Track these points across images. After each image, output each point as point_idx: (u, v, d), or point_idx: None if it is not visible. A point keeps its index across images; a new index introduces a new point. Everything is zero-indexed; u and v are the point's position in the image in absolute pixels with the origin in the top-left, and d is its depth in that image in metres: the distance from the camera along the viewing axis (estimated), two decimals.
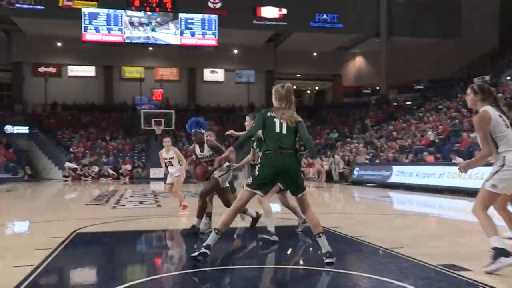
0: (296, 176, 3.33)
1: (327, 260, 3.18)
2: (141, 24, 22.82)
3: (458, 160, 10.28)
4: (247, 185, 3.32)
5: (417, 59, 27.40)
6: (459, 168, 3.30)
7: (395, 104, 26.44)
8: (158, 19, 23.00)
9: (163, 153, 7.21)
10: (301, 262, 3.74)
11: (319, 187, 13.61)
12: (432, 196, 9.92)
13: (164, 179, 10.44)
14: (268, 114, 3.39)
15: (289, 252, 3.92)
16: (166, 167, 7.25)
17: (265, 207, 4.29)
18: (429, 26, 24.81)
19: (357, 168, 15.48)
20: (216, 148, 4.77)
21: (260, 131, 3.46)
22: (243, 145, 3.38)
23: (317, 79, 31.44)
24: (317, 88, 33.44)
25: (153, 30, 22.88)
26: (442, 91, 22.20)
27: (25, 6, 21.54)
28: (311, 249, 4.01)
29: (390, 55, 26.48)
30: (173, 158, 7.15)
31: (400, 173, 12.68)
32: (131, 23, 22.73)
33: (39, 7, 21.62)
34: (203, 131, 4.86)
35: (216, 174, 4.71)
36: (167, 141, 7.29)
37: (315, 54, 29.73)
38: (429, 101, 21.95)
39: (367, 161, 16.22)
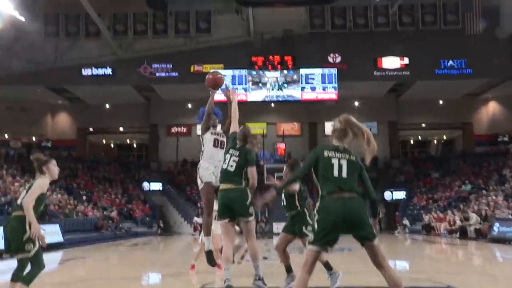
0: (363, 221, 2.93)
1: None
2: (263, 83, 23.82)
3: None
4: (311, 243, 2.93)
5: None
6: None
7: None
8: (280, 77, 23.81)
9: None
10: None
11: (452, 244, 12.47)
12: None
13: None
14: (326, 153, 3.08)
15: None
16: None
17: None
18: None
19: (497, 224, 13.95)
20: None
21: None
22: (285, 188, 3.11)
23: (445, 128, 29.66)
24: (444, 137, 31.51)
25: (279, 89, 23.73)
26: None
27: (163, 74, 23.89)
28: None
29: None
30: None
31: None
32: (255, 82, 23.85)
33: (174, 74, 23.85)
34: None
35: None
36: None
37: (441, 102, 28.23)
38: None
39: (510, 216, 14.57)
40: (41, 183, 4.25)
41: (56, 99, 28.17)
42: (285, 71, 23.67)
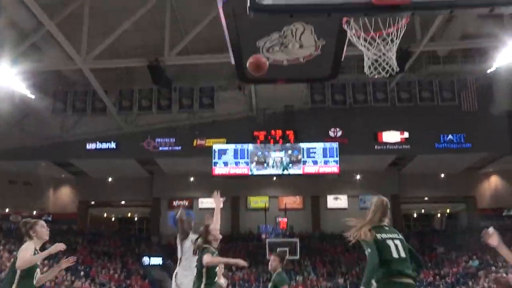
0: None
1: None
2: (267, 163, 23.98)
3: None
4: None
5: None
6: None
7: None
8: (285, 157, 23.94)
9: None
10: None
11: None
12: None
13: None
14: (379, 236, 3.01)
15: None
16: None
17: None
18: None
19: None
20: None
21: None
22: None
23: (448, 202, 29.53)
24: (448, 211, 31.27)
25: (284, 169, 23.81)
26: None
27: (166, 148, 24.23)
28: None
29: None
30: None
31: None
32: (259, 163, 24.03)
33: (177, 148, 24.18)
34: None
35: None
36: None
37: (442, 175, 28.34)
38: None
39: None
40: (27, 247, 4.09)
41: (60, 173, 28.38)
42: (290, 151, 23.85)
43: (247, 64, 5.13)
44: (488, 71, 18.81)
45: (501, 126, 24.17)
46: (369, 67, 4.65)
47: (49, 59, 17.68)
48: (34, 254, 4.21)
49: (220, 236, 5.39)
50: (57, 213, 28.43)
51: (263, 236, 26.17)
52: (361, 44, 4.42)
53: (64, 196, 30.03)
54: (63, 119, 23.06)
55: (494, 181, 28.97)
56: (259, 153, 23.93)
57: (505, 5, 2.91)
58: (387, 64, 4.58)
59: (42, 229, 4.31)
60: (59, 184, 29.73)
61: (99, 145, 24.06)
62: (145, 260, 25.35)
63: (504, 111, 23.58)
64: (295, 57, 9.32)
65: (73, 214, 28.86)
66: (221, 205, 5.81)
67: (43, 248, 4.47)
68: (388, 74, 4.55)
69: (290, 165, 24.00)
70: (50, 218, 27.54)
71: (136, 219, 32.64)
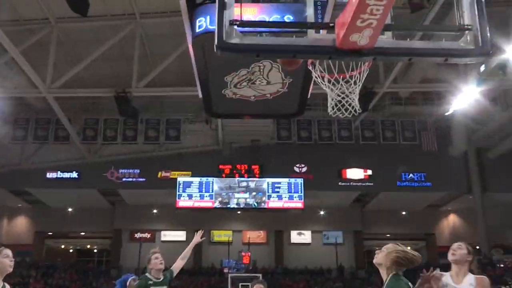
0: None
1: None
2: (234, 188, 23.93)
3: None
4: None
5: None
6: None
7: (502, 266, 24.04)
8: (251, 183, 23.99)
9: None
10: None
11: None
12: None
13: None
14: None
15: None
16: None
17: None
18: None
19: None
20: None
21: None
22: None
23: (409, 239, 29.96)
24: (409, 248, 31.68)
25: (242, 195, 23.80)
26: None
27: (130, 179, 23.85)
28: None
29: (488, 212, 24.97)
30: None
31: None
32: (226, 188, 23.95)
33: (141, 179, 23.83)
34: None
35: None
36: None
37: (404, 213, 28.90)
38: None
39: None
40: None
41: (16, 202, 27.35)
42: (254, 193, 23.85)
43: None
44: (446, 114, 19.62)
45: (458, 166, 25.07)
46: (332, 108, 4.80)
47: (12, 86, 17.32)
48: None
49: (160, 266, 5.30)
50: (11, 244, 27.22)
51: (226, 270, 25.77)
52: (325, 85, 4.57)
53: (19, 226, 28.84)
54: (22, 146, 22.47)
55: (452, 219, 29.73)
56: (223, 193, 23.83)
57: (458, 57, 3.10)
58: (349, 105, 4.74)
59: (5, 259, 3.79)
60: (14, 214, 28.58)
61: (60, 174, 23.46)
62: None
63: (461, 152, 24.55)
64: (262, 93, 9.51)
65: (28, 246, 27.68)
66: (198, 241, 6.00)
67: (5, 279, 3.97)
68: (351, 115, 4.69)
69: (255, 204, 23.97)
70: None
71: (95, 251, 31.60)
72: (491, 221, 24.94)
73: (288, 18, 6.84)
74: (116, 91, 16.75)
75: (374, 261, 3.82)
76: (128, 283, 5.56)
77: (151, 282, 5.23)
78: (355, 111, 4.60)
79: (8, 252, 3.88)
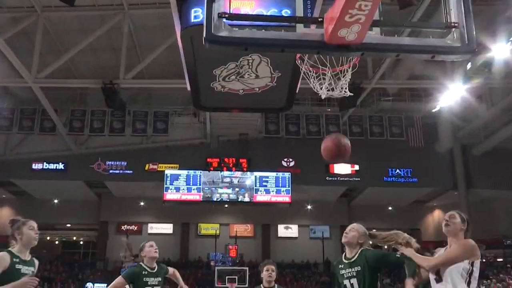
0: None
1: None
2: (217, 184, 23.93)
3: None
4: None
5: (503, 212, 25.92)
6: None
7: (484, 260, 24.41)
8: (234, 179, 24.05)
9: None
10: None
11: None
12: None
13: None
14: None
15: None
16: None
17: None
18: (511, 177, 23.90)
19: None
20: None
21: None
22: None
23: None
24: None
25: (225, 191, 23.82)
26: None
27: (117, 171, 23.69)
28: None
29: (472, 208, 25.27)
30: None
31: None
32: (209, 183, 23.92)
33: (128, 171, 23.69)
34: None
35: None
36: None
37: (390, 208, 29.16)
38: None
39: None
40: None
41: (0, 193, 27.06)
42: (237, 189, 23.86)
43: (323, 148, 4.55)
44: (433, 110, 19.80)
45: (444, 162, 25.34)
46: (321, 88, 4.84)
47: None
48: (14, 265, 3.57)
49: (155, 255, 5.14)
50: None
51: (213, 263, 25.81)
52: (313, 80, 4.60)
53: (3, 217, 28.53)
54: (7, 137, 22.19)
55: (437, 215, 30.05)
56: (206, 188, 23.78)
57: (444, 54, 3.13)
58: (338, 89, 4.79)
59: (30, 232, 3.64)
60: None
61: (46, 166, 23.20)
62: (89, 286, 24.30)
63: (447, 148, 24.79)
64: (251, 87, 9.51)
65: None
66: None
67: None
68: (339, 96, 4.74)
69: (239, 199, 23.99)
70: None
71: (81, 243, 31.40)
72: (475, 216, 25.25)
73: (286, 12, 6.83)
74: (103, 82, 16.59)
75: (344, 240, 4.08)
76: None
77: (145, 272, 5.04)
78: (344, 93, 4.65)
79: (34, 224, 3.73)
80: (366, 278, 3.75)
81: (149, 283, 5.01)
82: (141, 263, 5.16)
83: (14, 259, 3.61)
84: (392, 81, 19.66)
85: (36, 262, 3.87)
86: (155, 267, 5.16)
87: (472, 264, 3.54)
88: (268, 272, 5.09)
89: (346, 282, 3.85)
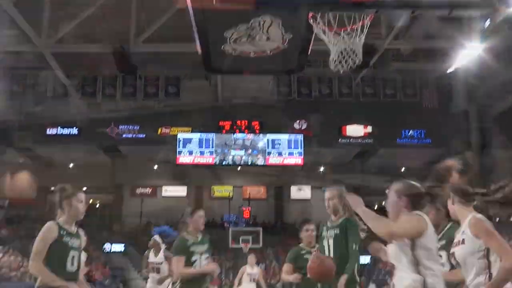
0: None
1: None
2: (230, 145, 23.98)
3: None
4: None
5: None
6: None
7: (498, 220, 24.41)
8: (246, 141, 24.06)
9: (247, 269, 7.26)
10: None
11: None
12: None
13: None
14: None
15: None
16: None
17: None
18: None
19: None
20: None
21: None
22: None
23: None
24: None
25: (238, 152, 23.86)
26: None
27: (130, 135, 23.84)
28: None
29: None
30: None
31: None
32: (222, 145, 23.99)
33: (141, 135, 23.85)
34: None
35: None
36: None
37: (403, 169, 29.11)
38: None
39: None
40: (44, 228, 3.34)
41: (17, 158, 27.51)
42: (250, 150, 23.80)
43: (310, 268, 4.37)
44: (448, 71, 19.35)
45: (458, 124, 24.99)
46: (334, 61, 4.74)
47: (7, 40, 17.01)
48: (60, 234, 3.38)
49: (202, 227, 5.17)
50: (15, 199, 27.58)
51: (226, 225, 26.27)
52: (327, 39, 4.49)
53: (22, 181, 29.13)
54: (21, 102, 22.34)
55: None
56: (219, 150, 23.84)
57: (463, 8, 3.02)
58: (350, 58, 4.68)
59: (78, 204, 3.58)
60: (16, 170, 28.80)
61: (60, 131, 23.45)
62: (107, 247, 25.00)
63: (462, 109, 24.39)
64: (262, 49, 9.37)
65: (31, 201, 28.05)
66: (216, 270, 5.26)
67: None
68: (350, 69, 4.65)
69: (251, 162, 24.04)
70: (6, 204, 26.79)
71: (97, 206, 32.06)
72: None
73: None
74: (113, 47, 16.48)
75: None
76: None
77: (190, 242, 4.87)
78: (355, 64, 4.55)
79: (83, 196, 3.66)
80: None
81: (195, 252, 4.90)
82: (184, 234, 5.05)
83: (61, 232, 3.48)
84: (406, 41, 19.20)
85: (83, 234, 3.75)
86: (199, 236, 5.11)
87: None
88: (308, 232, 5.05)
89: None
